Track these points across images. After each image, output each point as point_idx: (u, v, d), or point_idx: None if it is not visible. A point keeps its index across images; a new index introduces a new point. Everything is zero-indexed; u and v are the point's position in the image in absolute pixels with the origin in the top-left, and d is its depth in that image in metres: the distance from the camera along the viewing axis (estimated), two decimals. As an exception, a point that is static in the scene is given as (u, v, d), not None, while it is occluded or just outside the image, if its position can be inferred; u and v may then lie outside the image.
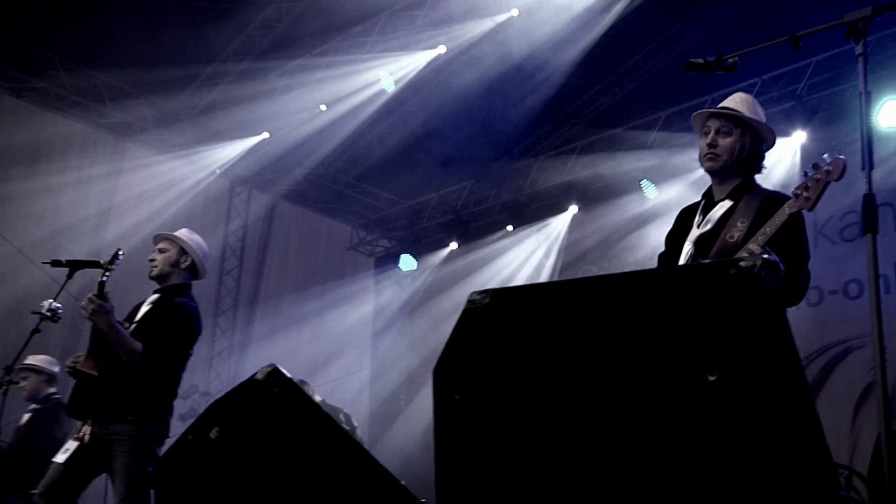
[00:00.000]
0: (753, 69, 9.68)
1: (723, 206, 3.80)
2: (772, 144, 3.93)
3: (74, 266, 5.16)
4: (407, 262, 13.20)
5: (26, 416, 7.05)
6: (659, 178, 10.60)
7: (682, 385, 2.02)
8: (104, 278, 4.86)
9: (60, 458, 4.85)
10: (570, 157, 11.65)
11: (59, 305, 5.25)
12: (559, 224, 12.12)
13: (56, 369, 7.20)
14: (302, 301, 12.86)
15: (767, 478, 1.93)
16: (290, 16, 10.72)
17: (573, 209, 11.93)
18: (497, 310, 2.32)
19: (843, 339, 8.93)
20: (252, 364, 11.12)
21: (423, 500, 2.77)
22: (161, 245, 5.32)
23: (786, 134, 9.29)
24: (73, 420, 5.20)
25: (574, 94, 11.87)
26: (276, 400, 2.64)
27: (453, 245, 12.98)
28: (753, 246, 3.42)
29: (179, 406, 6.41)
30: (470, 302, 2.35)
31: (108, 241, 10.43)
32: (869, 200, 2.79)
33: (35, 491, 4.93)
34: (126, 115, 11.34)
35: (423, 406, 11.54)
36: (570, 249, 11.92)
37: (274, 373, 2.66)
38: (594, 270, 11.41)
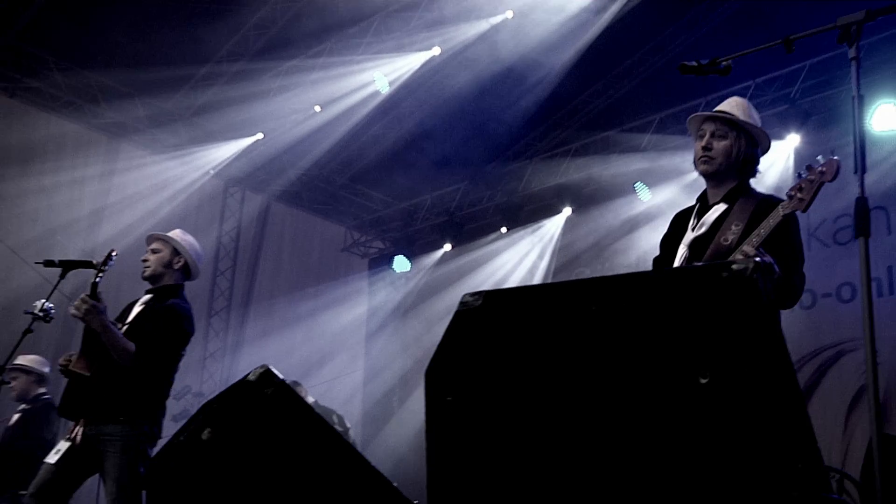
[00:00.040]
0: (747, 72, 9.70)
1: (717, 210, 3.80)
2: (766, 149, 3.94)
3: (67, 266, 5.14)
4: (401, 263, 13.19)
5: (15, 417, 7.03)
6: (653, 180, 10.60)
7: (673, 388, 2.02)
8: (97, 279, 4.85)
9: (52, 458, 4.83)
10: (565, 160, 11.65)
11: (51, 305, 5.23)
12: (553, 226, 12.12)
13: (46, 370, 7.18)
14: (295, 302, 12.86)
15: (759, 481, 1.93)
16: (284, 17, 10.71)
17: (567, 211, 11.93)
18: (490, 311, 2.32)
19: (836, 342, 8.94)
20: (245, 365, 11.12)
21: (416, 502, 2.77)
22: (154, 245, 5.31)
23: (779, 137, 9.31)
24: (62, 420, 5.19)
25: (568, 97, 11.89)
26: (268, 401, 2.64)
27: (447, 247, 12.97)
28: (748, 248, 3.42)
29: (172, 407, 6.40)
30: (462, 304, 2.34)
31: (101, 241, 10.42)
32: (861, 204, 2.80)
33: (24, 492, 4.91)
34: (120, 115, 11.32)
35: (416, 408, 11.52)
36: (564, 251, 11.92)
37: (266, 374, 2.66)
38: (588, 273, 11.41)
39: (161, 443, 4.65)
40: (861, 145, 2.84)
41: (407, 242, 13.57)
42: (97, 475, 4.91)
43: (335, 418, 9.51)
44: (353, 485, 2.67)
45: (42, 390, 7.11)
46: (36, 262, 5.26)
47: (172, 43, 10.18)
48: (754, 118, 3.88)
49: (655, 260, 4.09)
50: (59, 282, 5.18)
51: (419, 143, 11.66)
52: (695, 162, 3.92)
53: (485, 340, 2.33)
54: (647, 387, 2.07)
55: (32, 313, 5.18)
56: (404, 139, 12.09)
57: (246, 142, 12.00)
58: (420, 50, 11.05)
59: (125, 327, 5.07)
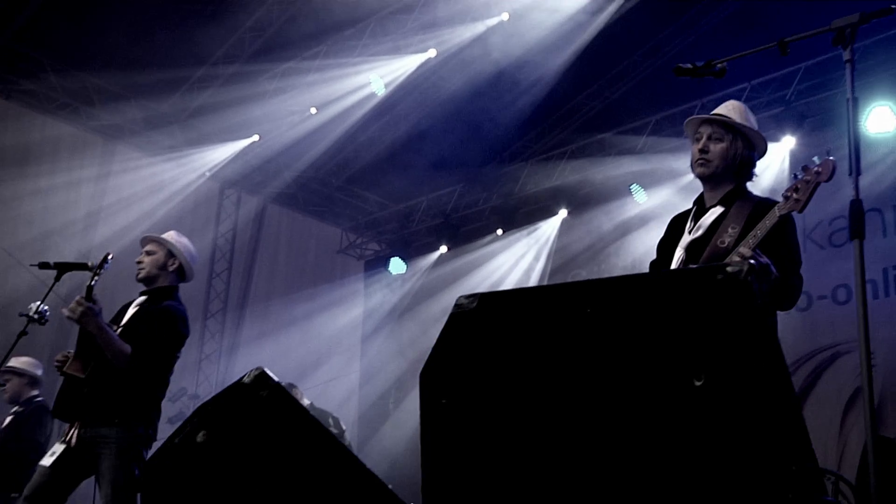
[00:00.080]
0: (743, 74, 9.72)
1: (714, 213, 3.80)
2: (763, 152, 3.94)
3: (63, 268, 5.13)
4: (396, 265, 13.19)
5: (8, 419, 7.01)
6: (649, 182, 10.61)
7: (668, 390, 2.02)
8: (93, 282, 4.84)
9: (47, 461, 4.82)
10: (560, 162, 11.66)
11: (46, 308, 5.23)
12: (549, 228, 12.13)
13: (39, 372, 7.16)
14: (291, 304, 12.84)
15: (753, 483, 1.93)
16: (280, 19, 10.71)
17: (563, 213, 11.95)
18: (485, 314, 2.32)
19: (832, 344, 8.94)
20: (241, 367, 11.11)
21: (411, 504, 2.77)
22: (149, 247, 5.31)
23: (775, 139, 9.33)
24: (56, 422, 5.18)
25: (564, 99, 11.90)
26: (263, 404, 2.63)
27: (443, 249, 12.97)
28: (744, 249, 3.42)
29: (167, 409, 6.39)
30: (457, 306, 2.34)
31: (97, 244, 10.42)
32: (856, 206, 2.80)
33: (16, 494, 4.90)
34: (115, 117, 11.31)
35: (411, 410, 11.52)
36: (560, 253, 11.92)
37: (261, 376, 2.65)
38: (583, 275, 11.41)
39: (156, 445, 4.63)
40: (856, 148, 2.84)
41: (403, 244, 13.57)
42: (92, 478, 4.90)
43: (331, 420, 9.52)
44: (349, 487, 2.67)
45: (35, 392, 7.09)
46: (31, 265, 5.26)
47: (168, 45, 10.17)
48: (751, 121, 3.89)
49: (652, 263, 4.09)
50: (54, 284, 5.17)
51: (415, 145, 11.66)
52: (692, 165, 3.92)
53: (480, 343, 2.33)
54: (642, 389, 2.07)
55: (27, 315, 5.17)
56: (400, 141, 12.10)
57: (242, 144, 11.99)
58: (416, 52, 11.05)
59: (120, 329, 5.05)
